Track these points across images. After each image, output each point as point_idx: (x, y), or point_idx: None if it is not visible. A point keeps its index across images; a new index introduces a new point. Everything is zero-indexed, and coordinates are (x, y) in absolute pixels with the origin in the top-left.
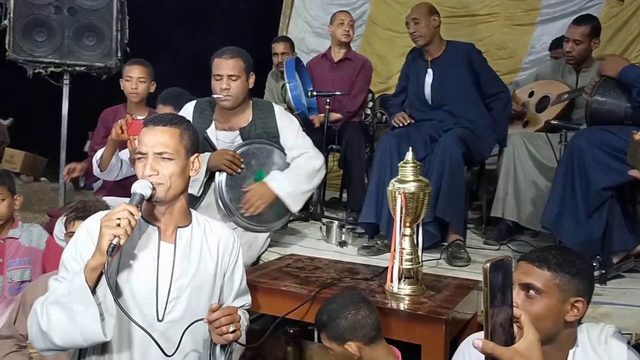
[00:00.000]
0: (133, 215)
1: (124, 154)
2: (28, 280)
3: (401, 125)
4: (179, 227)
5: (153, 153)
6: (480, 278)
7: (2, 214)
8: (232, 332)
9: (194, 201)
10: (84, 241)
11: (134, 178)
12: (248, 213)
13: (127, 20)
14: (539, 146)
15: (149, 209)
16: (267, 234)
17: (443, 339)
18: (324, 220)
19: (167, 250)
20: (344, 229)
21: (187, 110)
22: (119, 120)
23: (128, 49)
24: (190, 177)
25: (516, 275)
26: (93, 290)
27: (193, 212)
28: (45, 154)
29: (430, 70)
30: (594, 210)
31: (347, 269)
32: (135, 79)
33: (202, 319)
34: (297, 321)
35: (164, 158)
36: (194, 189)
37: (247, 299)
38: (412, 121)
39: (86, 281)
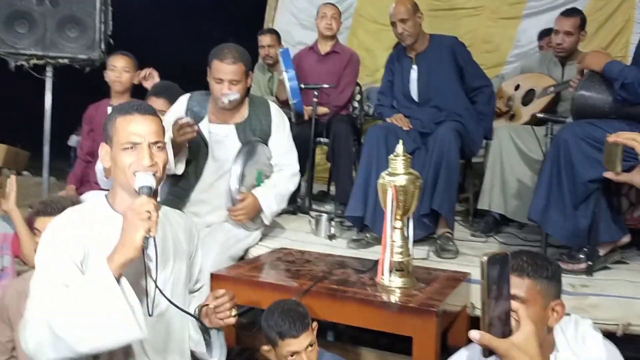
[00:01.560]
0: (156, 209)
1: None
2: (8, 266)
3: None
4: None
5: (148, 143)
6: (469, 270)
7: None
8: (234, 316)
9: (181, 196)
10: (67, 245)
11: None
12: (235, 220)
13: (110, 12)
14: (525, 139)
15: (127, 203)
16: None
17: (434, 331)
18: (313, 213)
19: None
20: (333, 222)
21: (182, 103)
22: None
23: (111, 41)
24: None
25: None
26: None
27: None
28: (28, 148)
29: (415, 66)
30: (581, 202)
31: (337, 262)
32: (119, 68)
33: (207, 304)
34: None
35: (158, 147)
36: (179, 168)
37: (203, 281)
38: (411, 127)
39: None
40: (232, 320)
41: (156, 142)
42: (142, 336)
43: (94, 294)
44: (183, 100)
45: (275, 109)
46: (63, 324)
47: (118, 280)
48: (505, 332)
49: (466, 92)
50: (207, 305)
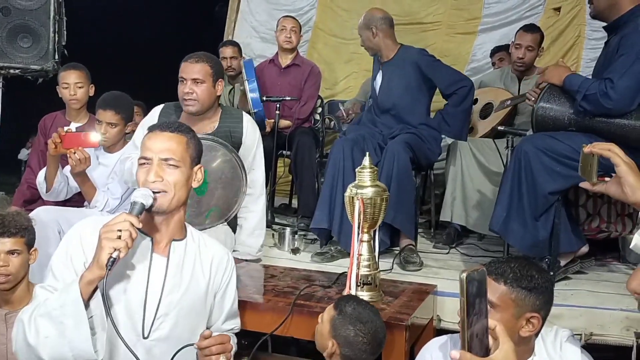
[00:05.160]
0: (134, 226)
1: (67, 170)
2: None
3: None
4: (174, 240)
5: (159, 159)
6: (433, 282)
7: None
8: None
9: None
10: (76, 249)
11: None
12: None
13: (64, 22)
14: (484, 152)
15: (145, 219)
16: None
17: (404, 345)
18: (275, 226)
19: (160, 264)
20: (296, 236)
21: (154, 114)
22: (53, 134)
23: (65, 52)
24: (192, 188)
25: None
26: (86, 304)
27: (188, 226)
28: None
29: (380, 72)
30: (541, 214)
31: (303, 277)
32: (72, 85)
33: (192, 344)
34: (250, 332)
35: (169, 165)
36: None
37: (236, 322)
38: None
39: (81, 295)
40: None
41: (167, 159)
42: (93, 357)
43: (59, 306)
44: (156, 111)
45: (248, 121)
46: (33, 331)
47: (90, 297)
48: (483, 349)
49: (445, 98)
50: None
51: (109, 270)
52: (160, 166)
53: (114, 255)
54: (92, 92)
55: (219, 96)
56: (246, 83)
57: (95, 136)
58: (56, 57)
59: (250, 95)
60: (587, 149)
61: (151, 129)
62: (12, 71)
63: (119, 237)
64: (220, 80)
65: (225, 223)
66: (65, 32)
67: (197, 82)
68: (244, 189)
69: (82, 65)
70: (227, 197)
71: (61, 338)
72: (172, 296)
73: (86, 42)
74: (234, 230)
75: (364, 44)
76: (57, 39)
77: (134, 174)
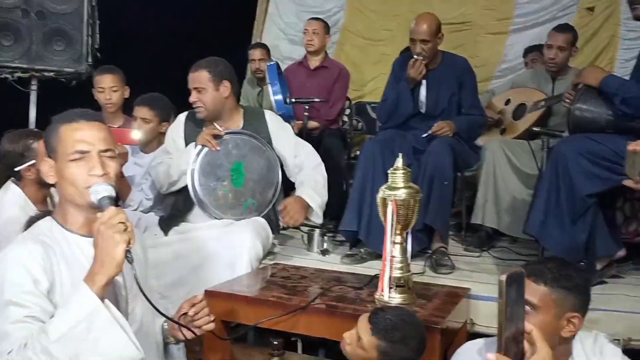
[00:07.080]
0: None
1: None
2: None
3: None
4: None
5: (98, 151)
6: (465, 285)
7: None
8: (212, 321)
9: (185, 207)
10: (35, 271)
11: None
12: (287, 224)
13: (97, 25)
14: (517, 153)
15: (81, 221)
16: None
17: (439, 349)
18: (303, 227)
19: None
20: (325, 237)
21: (179, 120)
22: None
23: (99, 54)
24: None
25: None
26: None
27: None
28: None
29: (424, 81)
30: (579, 216)
31: (334, 278)
32: (107, 89)
33: (185, 313)
34: (280, 332)
35: (108, 157)
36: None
37: None
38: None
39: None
40: (212, 326)
41: (107, 150)
42: (141, 356)
43: (84, 324)
44: (181, 118)
45: (270, 115)
46: None
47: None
48: (518, 353)
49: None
50: (184, 314)
51: (132, 262)
52: (101, 158)
53: (129, 247)
54: (127, 94)
55: (229, 97)
56: (269, 86)
57: (136, 133)
58: (89, 60)
59: (273, 98)
60: (631, 146)
61: (71, 119)
62: (46, 74)
63: (125, 230)
64: (225, 81)
65: (261, 217)
66: (98, 35)
67: (199, 90)
68: (279, 182)
69: (116, 68)
70: (264, 190)
71: (90, 353)
72: (134, 289)
73: (119, 45)
74: (271, 225)
75: (425, 52)
76: (90, 42)
77: (172, 174)
